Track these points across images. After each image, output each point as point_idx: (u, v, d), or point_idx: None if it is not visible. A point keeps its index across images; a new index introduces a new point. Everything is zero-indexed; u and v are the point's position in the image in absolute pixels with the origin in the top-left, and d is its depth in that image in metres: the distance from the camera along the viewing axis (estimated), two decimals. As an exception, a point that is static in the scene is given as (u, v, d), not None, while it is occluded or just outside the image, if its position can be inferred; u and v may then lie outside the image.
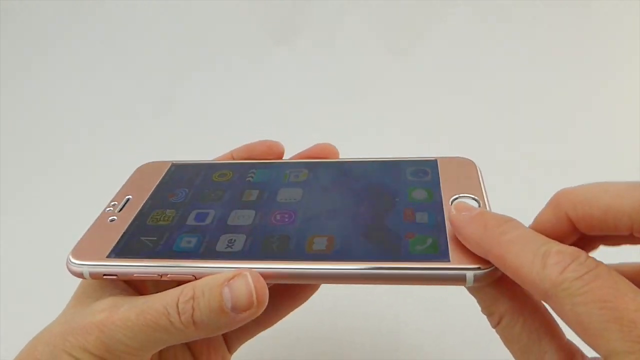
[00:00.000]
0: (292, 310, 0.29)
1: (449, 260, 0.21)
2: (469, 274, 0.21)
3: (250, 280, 0.21)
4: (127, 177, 0.31)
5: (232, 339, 0.30)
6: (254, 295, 0.21)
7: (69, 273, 0.24)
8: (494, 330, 0.21)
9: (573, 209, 0.19)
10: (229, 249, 0.24)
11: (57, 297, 0.27)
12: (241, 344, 0.30)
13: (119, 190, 0.29)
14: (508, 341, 0.20)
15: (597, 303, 0.16)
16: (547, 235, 0.19)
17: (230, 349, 0.30)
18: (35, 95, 0.61)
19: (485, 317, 0.21)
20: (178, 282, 0.23)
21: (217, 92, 0.61)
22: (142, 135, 0.57)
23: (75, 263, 0.24)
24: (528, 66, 0.61)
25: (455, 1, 0.64)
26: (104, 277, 0.24)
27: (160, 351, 0.24)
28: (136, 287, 0.26)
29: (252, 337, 0.30)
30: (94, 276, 0.24)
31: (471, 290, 0.21)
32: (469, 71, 0.61)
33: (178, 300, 0.21)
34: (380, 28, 0.64)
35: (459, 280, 0.21)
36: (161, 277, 0.23)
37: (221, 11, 0.65)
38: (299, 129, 0.56)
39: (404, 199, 0.26)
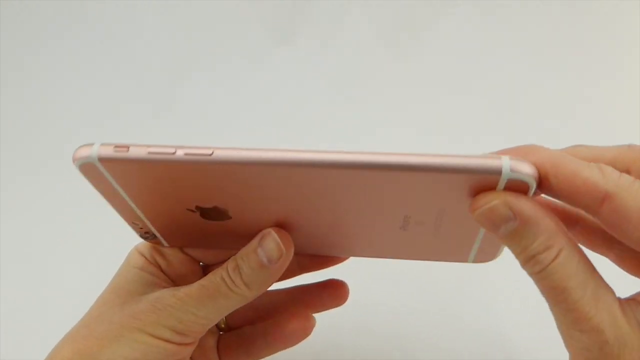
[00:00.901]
0: (282, 349, 0.31)
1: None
2: (506, 163, 0.19)
3: (275, 235, 0.25)
4: None
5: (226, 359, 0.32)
6: (281, 245, 0.25)
7: (76, 166, 0.22)
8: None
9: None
10: None
11: (58, 297, 0.27)
12: None
13: None
14: (565, 277, 0.19)
15: None
16: None
17: None
18: (35, 95, 0.61)
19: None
20: (193, 166, 0.21)
21: (217, 92, 0.61)
22: (142, 135, 0.57)
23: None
24: (528, 66, 0.61)
25: (456, 1, 0.64)
26: (115, 149, 0.22)
27: None
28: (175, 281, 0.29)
29: None
30: (102, 159, 0.22)
31: (527, 221, 0.20)
32: (470, 71, 0.61)
33: (227, 270, 0.25)
34: (380, 28, 0.64)
35: (494, 171, 0.19)
36: (175, 152, 0.21)
37: (221, 11, 0.65)
38: (299, 128, 0.56)
39: None
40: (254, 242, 0.25)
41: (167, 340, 0.24)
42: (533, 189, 0.20)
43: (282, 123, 0.57)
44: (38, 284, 0.45)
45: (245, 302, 0.26)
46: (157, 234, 0.28)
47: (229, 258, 0.26)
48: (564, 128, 0.56)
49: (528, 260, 0.20)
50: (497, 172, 0.19)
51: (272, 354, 0.31)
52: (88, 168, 0.23)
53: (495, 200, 0.20)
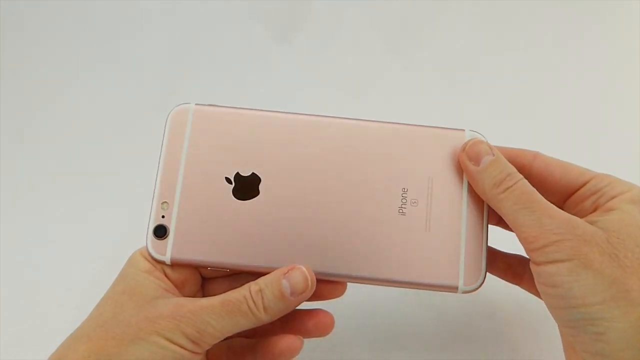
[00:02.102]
0: None
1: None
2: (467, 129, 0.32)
3: (304, 269, 0.28)
4: None
5: None
6: (309, 280, 0.28)
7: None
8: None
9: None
10: None
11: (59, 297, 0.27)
12: None
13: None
14: (531, 188, 0.28)
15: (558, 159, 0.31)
16: None
17: None
18: (36, 95, 0.61)
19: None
20: None
21: (217, 91, 0.61)
22: (142, 135, 0.57)
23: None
24: (529, 66, 0.61)
25: (456, 1, 0.64)
26: (209, 105, 0.32)
27: None
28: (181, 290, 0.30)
29: None
30: (198, 106, 0.31)
31: (500, 157, 0.30)
32: (470, 71, 0.61)
33: (250, 291, 0.27)
34: (381, 27, 0.64)
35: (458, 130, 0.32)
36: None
37: (221, 11, 0.65)
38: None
39: None
40: (280, 271, 0.28)
41: (182, 347, 0.26)
42: None
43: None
44: (39, 285, 0.45)
45: (255, 326, 0.27)
46: (173, 229, 0.29)
47: (226, 273, 0.30)
48: (564, 128, 0.56)
49: (503, 179, 0.27)
50: (462, 136, 0.30)
51: None
52: (181, 114, 0.31)
53: (480, 138, 0.30)
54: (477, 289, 0.29)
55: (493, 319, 0.40)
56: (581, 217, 0.27)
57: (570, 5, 0.63)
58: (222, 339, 0.27)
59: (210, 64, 0.63)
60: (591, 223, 0.26)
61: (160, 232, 0.29)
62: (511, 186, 0.27)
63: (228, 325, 0.27)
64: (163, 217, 0.29)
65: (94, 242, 0.48)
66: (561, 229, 0.25)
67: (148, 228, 0.29)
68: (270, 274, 0.28)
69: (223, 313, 0.26)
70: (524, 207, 0.26)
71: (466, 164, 0.29)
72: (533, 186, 0.28)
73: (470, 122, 0.56)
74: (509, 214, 0.26)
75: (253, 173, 0.29)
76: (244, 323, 0.27)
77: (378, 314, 0.40)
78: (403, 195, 0.29)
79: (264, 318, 0.27)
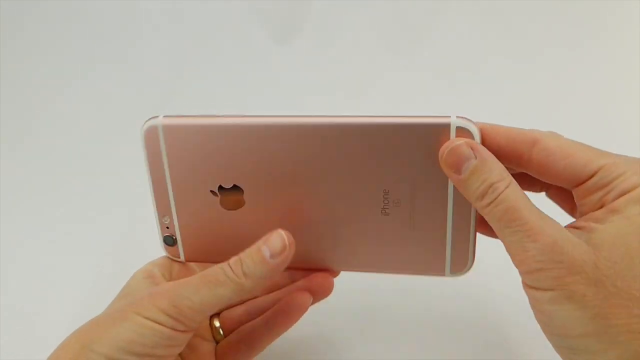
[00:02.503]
0: (283, 332, 0.32)
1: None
2: (453, 118, 0.27)
3: (282, 231, 0.27)
4: None
5: None
6: (287, 240, 0.27)
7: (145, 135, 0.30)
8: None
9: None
10: None
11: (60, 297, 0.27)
12: None
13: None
14: (517, 199, 0.24)
15: (569, 139, 0.27)
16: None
17: None
18: (36, 95, 0.61)
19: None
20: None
21: (217, 91, 0.61)
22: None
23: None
24: (529, 66, 0.61)
25: (457, 1, 0.64)
26: (176, 117, 0.29)
27: None
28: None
29: None
30: (165, 125, 0.29)
31: (484, 159, 0.25)
32: (470, 71, 0.61)
33: (229, 262, 0.27)
34: (381, 27, 0.64)
35: (444, 124, 0.27)
36: (216, 117, 0.28)
37: (221, 11, 0.65)
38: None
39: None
40: (259, 241, 0.27)
41: (161, 324, 0.25)
42: (478, 137, 0.26)
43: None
44: (39, 285, 0.45)
45: (240, 296, 0.26)
46: (179, 238, 0.31)
47: None
48: (565, 128, 0.56)
49: (485, 191, 0.25)
50: (447, 124, 0.26)
51: (273, 339, 0.32)
52: (152, 131, 0.30)
53: (459, 141, 0.26)
54: (464, 273, 0.29)
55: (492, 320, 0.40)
56: (588, 211, 0.25)
57: (570, 5, 0.63)
58: (206, 313, 0.26)
59: (210, 64, 0.63)
60: (589, 230, 0.24)
61: (169, 241, 0.32)
62: (494, 200, 0.24)
63: (207, 297, 0.26)
64: (167, 227, 0.32)
65: (93, 242, 0.48)
66: (544, 256, 0.23)
67: (160, 239, 0.32)
68: (251, 247, 0.27)
69: (200, 285, 0.26)
70: (507, 226, 0.24)
71: (448, 173, 0.26)
72: (534, 174, 0.26)
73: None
74: (495, 229, 0.25)
75: (234, 185, 0.30)
76: (225, 293, 0.26)
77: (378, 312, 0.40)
78: (385, 197, 0.29)
79: (246, 284, 0.26)
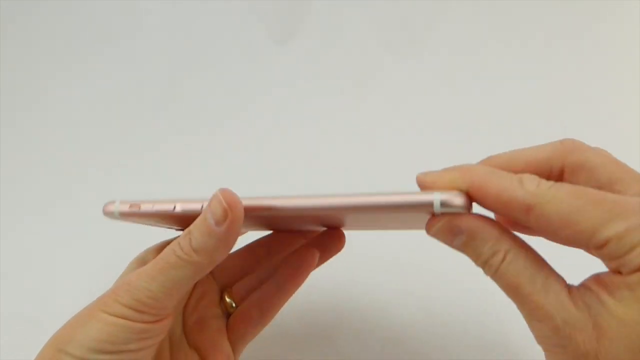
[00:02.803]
0: (293, 291, 0.32)
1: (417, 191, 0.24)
2: (436, 198, 0.22)
3: (219, 194, 0.24)
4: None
5: (236, 339, 0.31)
6: (224, 202, 0.24)
7: (106, 216, 0.29)
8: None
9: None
10: None
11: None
12: (245, 344, 0.32)
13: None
14: (514, 275, 0.22)
15: (573, 195, 0.21)
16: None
17: (236, 352, 0.31)
18: (35, 95, 0.61)
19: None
20: (188, 218, 0.26)
21: (217, 91, 0.61)
22: (142, 136, 0.57)
23: (109, 208, 0.29)
24: (530, 66, 0.61)
25: (457, 1, 0.64)
26: (130, 207, 0.28)
27: (172, 355, 0.28)
28: None
29: (254, 336, 0.32)
30: (123, 213, 0.28)
31: (472, 234, 0.22)
32: (470, 71, 0.61)
33: (178, 239, 0.25)
34: (381, 27, 0.64)
35: (427, 205, 0.23)
36: (174, 207, 0.26)
37: (221, 11, 0.65)
38: (299, 128, 0.56)
39: None
40: (205, 209, 0.25)
41: (126, 318, 0.24)
42: (463, 202, 0.23)
43: (282, 123, 0.57)
44: (40, 285, 0.45)
45: (199, 273, 0.25)
46: None
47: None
48: (565, 128, 0.56)
49: (483, 266, 0.23)
50: (430, 206, 0.22)
51: (283, 301, 0.32)
52: (113, 219, 0.29)
53: (439, 223, 0.23)
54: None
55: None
56: (608, 265, 0.22)
57: (570, 5, 0.63)
58: (172, 298, 0.25)
59: (209, 64, 0.63)
60: (600, 302, 0.21)
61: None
62: (497, 270, 0.22)
63: (165, 283, 0.24)
64: None
65: (92, 242, 0.48)
66: (548, 339, 0.21)
67: None
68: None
69: (154, 273, 0.25)
70: (514, 296, 0.22)
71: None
72: (536, 233, 0.23)
73: (471, 123, 0.57)
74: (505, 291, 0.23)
75: None
76: (182, 274, 0.24)
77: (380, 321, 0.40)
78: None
79: (199, 261, 0.24)
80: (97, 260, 0.46)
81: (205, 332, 0.31)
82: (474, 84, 0.60)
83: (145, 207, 0.27)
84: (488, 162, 0.26)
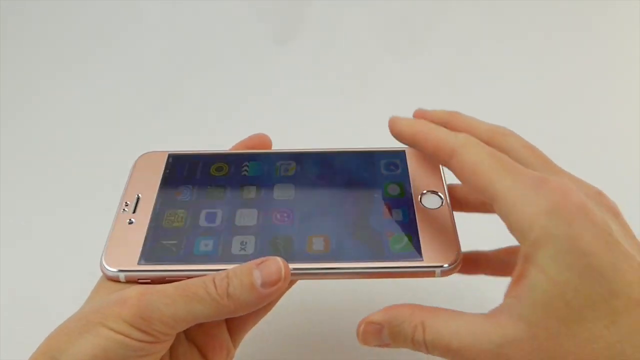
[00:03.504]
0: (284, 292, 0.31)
1: (422, 259, 0.27)
2: (438, 271, 0.27)
3: (279, 260, 0.25)
4: (130, 171, 0.33)
5: (236, 329, 0.31)
6: (283, 271, 0.25)
7: (104, 275, 0.27)
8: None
9: None
10: (243, 252, 0.28)
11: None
12: (244, 335, 0.31)
13: (127, 187, 0.32)
14: (440, 338, 0.23)
15: (488, 154, 0.25)
16: None
17: (235, 342, 0.31)
18: (36, 95, 0.61)
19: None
20: None
21: (217, 91, 0.61)
22: (141, 136, 0.57)
23: (110, 270, 0.27)
24: (530, 65, 0.61)
25: (457, 0, 0.64)
26: (139, 281, 0.27)
27: (170, 349, 0.26)
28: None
29: (253, 325, 0.31)
30: (129, 279, 0.27)
31: (389, 321, 0.24)
32: (470, 71, 0.61)
33: (214, 278, 0.25)
34: (381, 27, 0.64)
35: (430, 274, 0.27)
36: (188, 277, 0.26)
37: (221, 11, 0.65)
38: (298, 129, 0.56)
39: (381, 195, 0.31)
40: (253, 262, 0.25)
41: (128, 336, 0.23)
42: (439, 275, 0.27)
43: (282, 123, 0.57)
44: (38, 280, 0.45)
45: (217, 316, 0.24)
46: None
47: None
48: (565, 128, 0.56)
49: (414, 345, 0.24)
50: (433, 273, 0.28)
51: (275, 302, 0.31)
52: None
53: (360, 330, 0.25)
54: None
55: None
56: None
57: (570, 5, 0.63)
58: (177, 328, 0.24)
59: (209, 64, 0.63)
60: (518, 298, 0.22)
61: None
62: (423, 347, 0.24)
63: (181, 312, 0.23)
64: None
65: (92, 243, 0.47)
66: None
67: None
68: (242, 264, 0.25)
69: (176, 297, 0.24)
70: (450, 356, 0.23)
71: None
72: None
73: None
74: None
75: None
76: (202, 310, 0.24)
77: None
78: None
79: (226, 306, 0.24)
80: (96, 260, 0.46)
81: (203, 325, 0.28)
82: (473, 83, 0.60)
83: (157, 275, 0.27)
84: (452, 116, 0.32)
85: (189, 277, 0.26)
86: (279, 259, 0.25)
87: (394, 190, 0.31)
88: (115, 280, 0.27)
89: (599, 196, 0.25)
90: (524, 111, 0.58)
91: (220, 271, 0.25)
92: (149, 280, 0.27)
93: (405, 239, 0.28)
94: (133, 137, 0.57)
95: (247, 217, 0.30)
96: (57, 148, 0.57)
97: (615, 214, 0.25)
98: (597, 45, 0.62)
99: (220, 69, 0.62)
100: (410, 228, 0.29)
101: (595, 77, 0.59)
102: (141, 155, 0.34)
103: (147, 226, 0.29)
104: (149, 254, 0.28)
